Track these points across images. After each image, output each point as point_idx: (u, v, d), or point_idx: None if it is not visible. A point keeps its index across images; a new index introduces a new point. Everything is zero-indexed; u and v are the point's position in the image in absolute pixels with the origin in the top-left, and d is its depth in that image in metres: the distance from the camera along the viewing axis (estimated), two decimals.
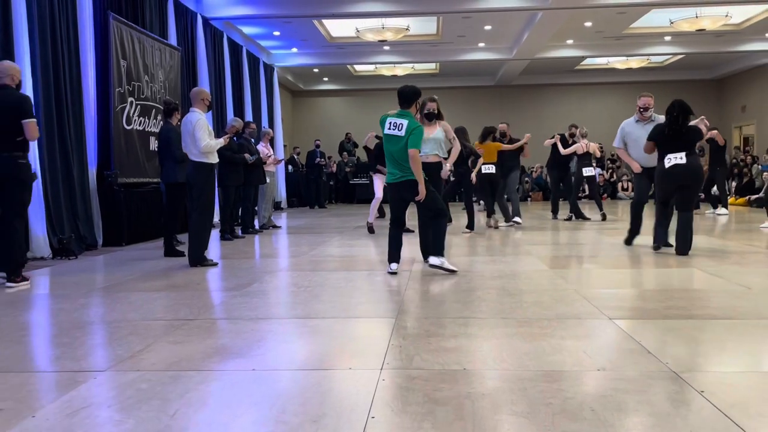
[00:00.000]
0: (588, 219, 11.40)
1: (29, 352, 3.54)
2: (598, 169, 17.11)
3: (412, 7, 13.24)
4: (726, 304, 4.23)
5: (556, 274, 5.64)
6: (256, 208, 10.58)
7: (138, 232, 9.00)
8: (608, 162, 21.16)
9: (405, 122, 5.52)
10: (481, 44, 17.85)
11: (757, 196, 15.07)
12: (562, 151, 11.36)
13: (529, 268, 6.01)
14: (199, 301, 4.72)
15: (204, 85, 12.11)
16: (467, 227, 9.48)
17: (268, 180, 10.33)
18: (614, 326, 3.66)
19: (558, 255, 7.00)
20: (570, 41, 17.68)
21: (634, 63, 20.22)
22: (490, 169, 9.91)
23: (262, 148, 10.40)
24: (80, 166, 8.24)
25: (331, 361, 3.15)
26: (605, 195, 19.36)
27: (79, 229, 8.03)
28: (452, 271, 5.65)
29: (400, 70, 20.51)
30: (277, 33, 16.04)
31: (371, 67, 20.85)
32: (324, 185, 18.64)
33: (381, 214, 10.67)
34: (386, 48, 17.98)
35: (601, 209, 11.52)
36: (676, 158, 6.46)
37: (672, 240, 6.83)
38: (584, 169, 11.41)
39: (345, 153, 20.78)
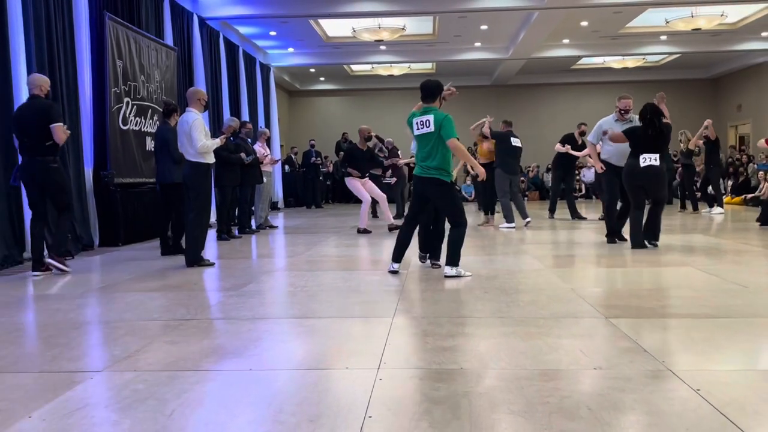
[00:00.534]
0: (584, 218, 11.43)
1: (25, 352, 3.53)
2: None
3: (408, 6, 13.23)
4: (722, 302, 4.24)
5: (553, 273, 5.65)
6: (252, 208, 10.58)
7: (134, 232, 8.99)
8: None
9: (431, 117, 5.43)
10: (478, 44, 17.85)
11: (753, 195, 15.11)
12: (577, 153, 11.34)
13: (525, 267, 6.02)
14: (196, 301, 4.72)
15: (200, 85, 12.10)
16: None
17: (264, 180, 10.32)
18: (611, 325, 3.67)
19: (555, 254, 7.01)
20: (566, 41, 17.70)
21: (630, 62, 20.26)
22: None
23: (259, 148, 10.40)
24: (76, 166, 8.21)
25: (328, 361, 3.15)
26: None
27: (75, 229, 8.01)
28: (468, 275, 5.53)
29: (397, 70, 20.51)
30: (273, 33, 16.03)
31: (368, 67, 20.84)
32: (321, 185, 18.64)
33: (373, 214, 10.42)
34: (382, 48, 17.97)
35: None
36: (650, 159, 6.92)
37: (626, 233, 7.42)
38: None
39: (341, 153, 20.76)
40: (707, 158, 12.60)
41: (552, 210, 11.90)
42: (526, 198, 20.13)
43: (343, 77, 22.44)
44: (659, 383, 2.66)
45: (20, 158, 6.24)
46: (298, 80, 22.60)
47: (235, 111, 14.66)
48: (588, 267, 6.13)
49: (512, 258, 6.67)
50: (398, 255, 5.78)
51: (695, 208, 13.12)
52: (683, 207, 13.55)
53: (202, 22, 12.83)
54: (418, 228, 5.99)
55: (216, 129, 11.48)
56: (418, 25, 16.01)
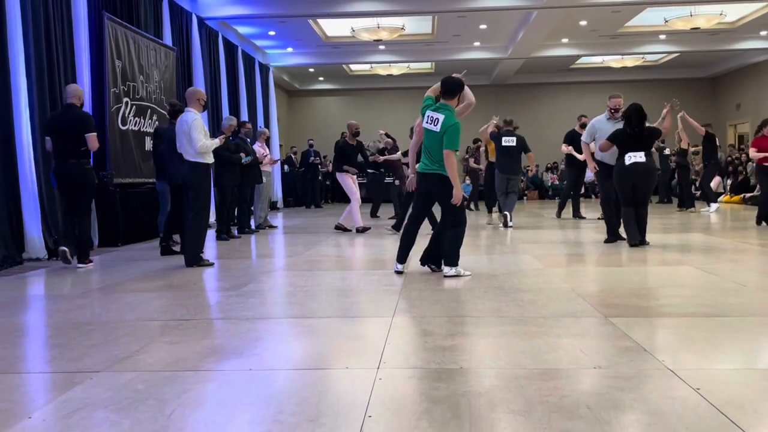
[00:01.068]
0: (584, 218, 11.43)
1: (25, 353, 3.53)
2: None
3: (407, 6, 13.23)
4: (721, 301, 4.25)
5: (553, 272, 5.65)
6: (252, 208, 10.57)
7: (134, 233, 8.98)
8: None
9: (441, 117, 5.35)
10: (477, 43, 17.85)
11: (752, 194, 15.10)
12: (579, 156, 11.23)
13: (525, 266, 6.02)
14: (196, 301, 4.72)
15: (199, 85, 12.09)
16: (392, 226, 9.67)
17: (264, 180, 10.32)
18: (610, 324, 3.67)
19: (554, 254, 7.01)
20: (565, 40, 17.70)
21: (629, 62, 20.26)
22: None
23: (259, 148, 10.40)
24: None
25: (327, 361, 3.15)
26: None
27: (74, 230, 8.00)
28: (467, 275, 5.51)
29: (396, 70, 20.51)
30: (272, 33, 16.02)
31: (367, 67, 20.84)
32: (320, 185, 18.63)
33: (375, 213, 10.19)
34: (381, 47, 17.97)
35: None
36: (636, 156, 7.02)
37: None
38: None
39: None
40: (703, 155, 12.58)
41: (561, 209, 11.82)
42: (525, 197, 20.14)
43: (342, 77, 22.43)
44: (659, 382, 2.67)
45: (54, 161, 6.85)
46: (297, 80, 22.59)
47: (234, 111, 14.66)
48: (587, 266, 6.13)
49: (512, 257, 6.68)
50: (403, 255, 5.75)
51: (688, 206, 13.20)
52: (681, 206, 13.54)
53: (201, 21, 12.82)
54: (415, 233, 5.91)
55: (215, 129, 11.47)
56: (417, 25, 16.01)
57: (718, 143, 12.71)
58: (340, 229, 9.88)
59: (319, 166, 18.29)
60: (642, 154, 7.00)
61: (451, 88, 5.49)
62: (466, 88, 5.67)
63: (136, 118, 9.57)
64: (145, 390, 2.69)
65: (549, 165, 21.42)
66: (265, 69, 17.89)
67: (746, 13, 15.37)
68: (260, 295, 4.89)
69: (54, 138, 6.63)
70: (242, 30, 15.64)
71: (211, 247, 8.15)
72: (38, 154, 7.41)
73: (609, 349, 3.17)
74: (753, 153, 9.82)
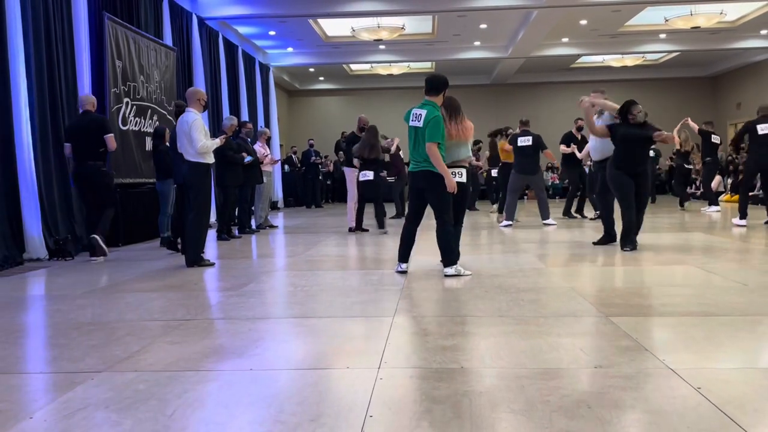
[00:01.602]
0: (575, 217, 11.45)
1: (26, 353, 3.54)
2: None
3: (407, 6, 13.23)
4: (722, 300, 4.24)
5: (553, 272, 5.65)
6: (252, 208, 10.57)
7: (134, 233, 8.99)
8: None
9: (424, 112, 5.41)
10: (477, 43, 17.85)
11: (752, 193, 15.07)
12: (579, 154, 11.25)
13: (526, 266, 6.02)
14: (196, 301, 4.72)
15: (200, 85, 12.09)
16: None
17: (264, 180, 10.32)
18: (611, 323, 3.67)
19: (555, 253, 7.01)
20: (565, 39, 17.70)
21: (630, 61, 20.24)
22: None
23: (259, 148, 10.40)
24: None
25: (328, 361, 3.15)
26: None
27: (74, 230, 8.01)
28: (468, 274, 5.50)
29: (396, 69, 20.50)
30: (272, 32, 16.02)
31: (367, 67, 20.84)
32: (320, 185, 18.64)
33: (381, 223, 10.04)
34: (382, 47, 17.97)
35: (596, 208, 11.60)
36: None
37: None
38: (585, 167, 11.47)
39: (341, 152, 20.75)
40: (702, 155, 12.51)
41: (570, 210, 11.83)
42: (525, 197, 20.13)
43: (342, 77, 22.43)
44: (660, 381, 2.67)
45: (72, 164, 7.43)
46: (298, 80, 22.59)
47: (235, 111, 14.66)
48: (588, 266, 6.13)
49: (512, 257, 6.67)
50: (405, 255, 5.76)
51: (681, 204, 13.28)
52: (682, 205, 13.53)
53: (201, 22, 12.83)
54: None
55: (216, 129, 11.47)
56: (417, 25, 16.00)
57: (719, 141, 12.56)
58: (353, 230, 9.79)
59: (320, 166, 18.29)
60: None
61: (435, 85, 5.53)
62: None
63: (137, 119, 9.57)
64: (146, 390, 2.69)
65: (549, 165, 21.41)
66: (265, 69, 17.89)
67: (746, 12, 15.37)
68: (261, 295, 4.89)
69: (74, 143, 7.21)
70: (242, 30, 15.64)
71: (211, 247, 8.15)
72: (38, 155, 7.42)
73: (610, 349, 3.17)
74: None
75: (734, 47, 18.04)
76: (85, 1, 8.47)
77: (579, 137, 11.41)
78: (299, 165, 18.83)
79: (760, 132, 9.34)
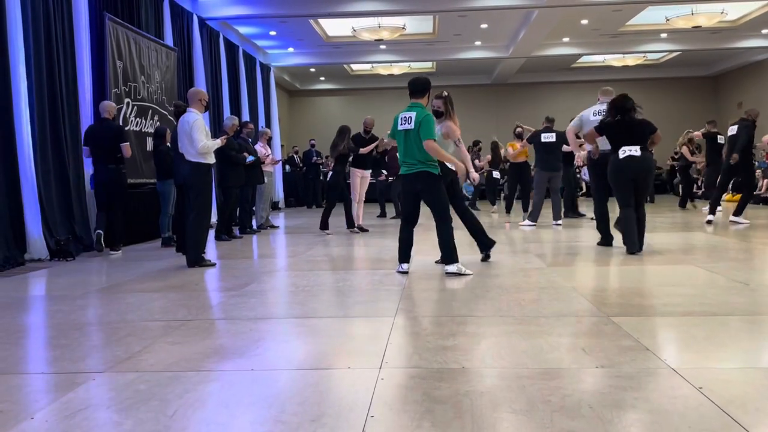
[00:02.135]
0: (583, 215, 11.46)
1: (27, 353, 3.54)
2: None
3: (408, 6, 13.23)
4: (723, 300, 4.24)
5: (554, 271, 5.64)
6: (253, 208, 10.58)
7: (135, 233, 8.99)
8: None
9: (413, 114, 5.49)
10: (478, 43, 17.84)
11: (756, 192, 15.04)
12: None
13: (527, 266, 6.01)
14: (197, 301, 4.72)
15: (200, 85, 12.10)
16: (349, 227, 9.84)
17: (265, 180, 10.32)
18: (612, 323, 3.66)
19: (556, 253, 7.01)
20: (566, 39, 17.69)
21: (631, 60, 20.23)
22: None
23: (260, 148, 10.40)
24: (75, 167, 8.22)
25: (329, 361, 3.15)
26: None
27: (75, 230, 8.01)
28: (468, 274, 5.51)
29: (397, 69, 20.50)
30: (273, 33, 16.03)
31: (368, 67, 20.84)
32: (321, 185, 18.63)
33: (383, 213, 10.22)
34: (382, 47, 17.97)
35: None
36: (630, 150, 6.48)
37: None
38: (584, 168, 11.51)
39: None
40: (707, 156, 12.30)
41: (569, 208, 11.82)
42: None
43: (343, 77, 22.43)
44: (661, 381, 2.66)
45: (92, 167, 8.04)
46: (298, 80, 22.59)
47: (236, 111, 14.66)
48: (589, 265, 6.12)
49: (514, 257, 6.67)
50: (405, 255, 5.77)
51: (681, 204, 13.21)
52: (683, 205, 13.48)
53: (202, 22, 12.83)
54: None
55: (216, 129, 11.48)
56: (418, 24, 16.00)
57: (724, 141, 12.35)
58: (360, 230, 9.82)
59: (321, 166, 18.30)
60: (637, 147, 6.45)
61: (420, 87, 5.63)
62: (451, 124, 6.02)
63: (138, 119, 9.58)
64: (147, 390, 2.69)
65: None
66: (266, 69, 17.89)
67: (748, 11, 15.35)
68: (262, 296, 4.89)
69: (92, 147, 7.81)
70: (243, 30, 15.64)
71: (212, 248, 8.16)
72: (38, 155, 7.42)
73: (611, 349, 3.16)
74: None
75: (735, 47, 18.03)
76: (85, 1, 8.47)
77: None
78: (301, 165, 18.84)
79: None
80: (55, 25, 7.91)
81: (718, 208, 12.38)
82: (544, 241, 8.21)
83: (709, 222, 9.62)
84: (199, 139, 6.31)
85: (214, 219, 9.79)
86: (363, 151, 9.86)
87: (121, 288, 5.34)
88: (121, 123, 9.14)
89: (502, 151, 13.80)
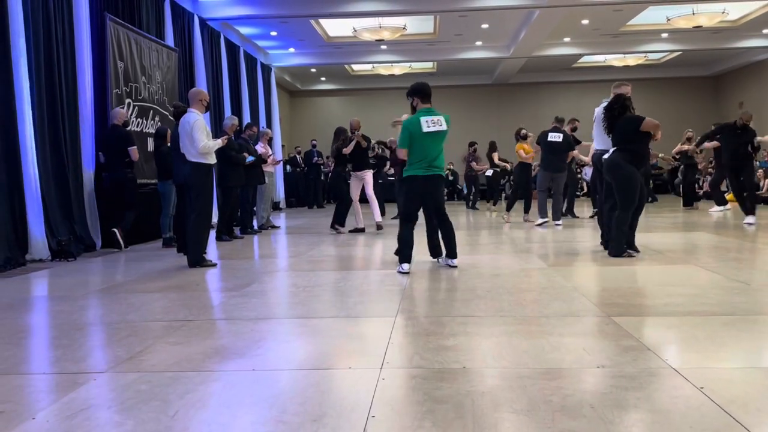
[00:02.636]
0: (577, 217, 11.47)
1: (29, 354, 3.54)
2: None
3: (409, 6, 13.24)
4: (725, 300, 4.24)
5: (555, 271, 5.64)
6: (254, 208, 10.58)
7: (136, 234, 8.99)
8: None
9: (441, 117, 5.77)
10: (479, 43, 17.84)
11: (759, 192, 14.99)
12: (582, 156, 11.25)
13: (528, 265, 6.01)
14: (199, 301, 4.72)
15: (201, 85, 12.10)
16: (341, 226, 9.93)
17: (266, 180, 10.33)
18: (613, 323, 3.66)
19: (557, 253, 7.00)
20: (567, 39, 17.69)
21: (632, 60, 20.23)
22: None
23: (261, 148, 10.40)
24: (75, 168, 8.22)
25: (330, 361, 3.16)
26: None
27: (76, 231, 8.02)
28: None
29: (398, 70, 20.51)
30: (274, 33, 16.03)
31: (368, 67, 20.84)
32: (322, 185, 18.65)
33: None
34: (383, 47, 17.97)
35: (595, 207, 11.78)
36: (608, 152, 6.47)
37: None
38: (585, 168, 11.49)
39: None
40: (715, 156, 12.07)
41: (570, 209, 11.82)
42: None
43: (344, 77, 22.44)
44: (662, 381, 2.66)
45: (106, 170, 8.52)
46: (299, 80, 22.60)
47: (237, 111, 14.67)
48: (590, 265, 6.12)
49: (515, 257, 6.67)
50: (409, 256, 5.82)
51: (687, 204, 13.13)
52: (689, 204, 13.33)
53: (203, 22, 12.84)
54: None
55: (217, 130, 11.48)
56: (418, 25, 16.00)
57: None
58: (354, 231, 9.84)
59: (322, 167, 18.30)
60: (613, 149, 6.36)
61: (430, 92, 5.91)
62: None
63: (139, 119, 9.58)
64: (148, 391, 2.69)
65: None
66: (267, 69, 17.90)
67: (749, 11, 15.35)
68: (263, 296, 4.89)
69: (104, 152, 8.43)
70: (244, 30, 15.65)
71: (213, 248, 8.16)
72: (39, 156, 7.43)
73: (612, 349, 3.16)
74: None
75: (736, 47, 18.02)
76: (86, 2, 8.47)
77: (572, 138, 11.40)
78: (303, 165, 18.87)
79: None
80: (56, 26, 7.91)
81: (720, 208, 12.35)
82: (545, 241, 8.21)
83: (750, 224, 9.37)
84: (199, 139, 6.32)
85: (214, 219, 9.79)
86: (345, 150, 9.89)
87: (123, 288, 5.35)
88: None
89: (495, 156, 14.15)
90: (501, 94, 22.89)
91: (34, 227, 7.16)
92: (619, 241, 6.35)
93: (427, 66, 20.83)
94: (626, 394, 2.51)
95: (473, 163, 15.15)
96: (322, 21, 15.45)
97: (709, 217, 11.28)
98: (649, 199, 15.63)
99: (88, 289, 5.44)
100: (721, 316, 3.80)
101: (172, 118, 8.69)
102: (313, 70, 21.15)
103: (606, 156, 6.51)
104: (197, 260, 6.41)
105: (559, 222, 10.20)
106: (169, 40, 11.00)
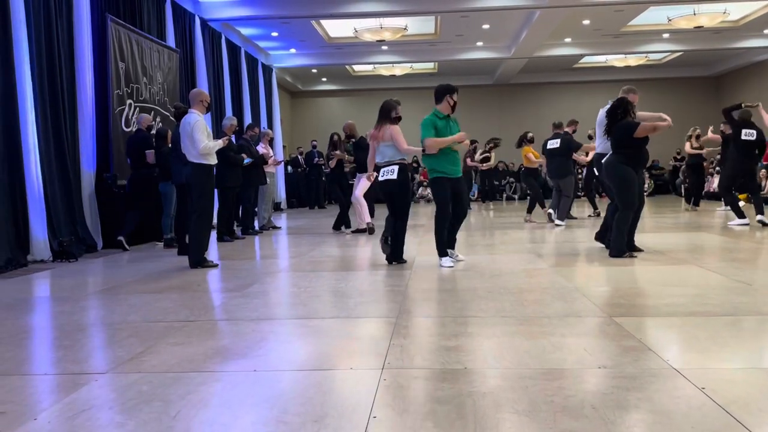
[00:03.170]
0: (575, 218, 11.48)
1: (30, 354, 3.54)
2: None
3: (410, 6, 13.24)
4: (726, 300, 4.23)
5: (557, 272, 5.64)
6: (255, 209, 10.58)
7: (137, 234, 9.00)
8: None
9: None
10: (480, 43, 17.85)
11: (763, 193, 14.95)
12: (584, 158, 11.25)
13: (529, 266, 6.01)
14: (200, 302, 4.72)
15: (202, 86, 12.11)
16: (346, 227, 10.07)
17: (267, 181, 10.33)
18: (615, 324, 3.66)
19: (558, 253, 7.00)
20: (568, 39, 17.69)
21: (633, 61, 20.23)
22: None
23: (262, 149, 10.40)
24: (77, 168, 8.23)
25: (332, 362, 3.16)
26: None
27: (78, 231, 8.03)
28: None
29: (399, 70, 20.52)
30: (275, 34, 16.04)
31: (370, 67, 20.86)
32: (323, 186, 18.64)
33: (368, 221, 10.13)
34: (384, 48, 17.99)
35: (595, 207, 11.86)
36: (607, 155, 6.57)
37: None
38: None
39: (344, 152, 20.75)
40: (722, 155, 11.58)
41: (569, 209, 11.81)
42: (528, 197, 20.11)
43: (345, 78, 22.45)
44: (664, 382, 2.66)
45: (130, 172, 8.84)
46: (300, 81, 22.61)
47: (238, 112, 14.68)
48: (592, 266, 6.12)
49: (516, 257, 6.67)
50: (451, 243, 6.25)
51: (695, 204, 12.98)
52: (693, 204, 13.13)
53: (204, 23, 12.85)
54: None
55: (218, 130, 11.49)
56: (419, 25, 16.01)
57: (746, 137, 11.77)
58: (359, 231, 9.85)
59: (323, 167, 18.29)
60: (609, 153, 6.49)
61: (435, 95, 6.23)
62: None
63: None
64: (150, 391, 2.69)
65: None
66: (268, 70, 17.91)
67: (750, 11, 15.35)
68: (264, 296, 4.89)
69: (129, 156, 8.76)
70: (245, 31, 15.66)
71: (214, 249, 8.16)
72: (42, 157, 7.44)
73: (613, 349, 3.16)
74: None
75: (737, 47, 18.02)
76: (87, 3, 8.49)
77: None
78: (304, 166, 18.87)
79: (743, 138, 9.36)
80: (57, 27, 7.93)
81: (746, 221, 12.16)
82: (547, 241, 8.20)
83: (764, 224, 9.22)
84: (200, 139, 6.32)
85: (214, 220, 9.80)
86: (330, 164, 10.22)
87: (124, 289, 5.35)
88: (123, 124, 9.18)
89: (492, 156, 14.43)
90: (502, 95, 22.90)
91: (36, 228, 7.17)
92: (619, 242, 6.39)
93: (428, 66, 20.84)
94: (628, 395, 2.51)
95: (467, 159, 15.20)
96: (323, 22, 15.46)
97: (710, 218, 11.26)
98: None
99: (89, 289, 5.45)
100: (723, 317, 3.80)
101: (173, 118, 8.73)
102: (314, 70, 21.17)
103: (604, 159, 6.59)
104: (198, 261, 6.42)
105: (561, 222, 10.20)
106: (170, 40, 11.01)
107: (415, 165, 21.27)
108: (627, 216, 6.35)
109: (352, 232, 9.80)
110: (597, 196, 12.90)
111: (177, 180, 7.68)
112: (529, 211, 11.30)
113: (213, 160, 6.58)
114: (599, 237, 7.13)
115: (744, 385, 2.61)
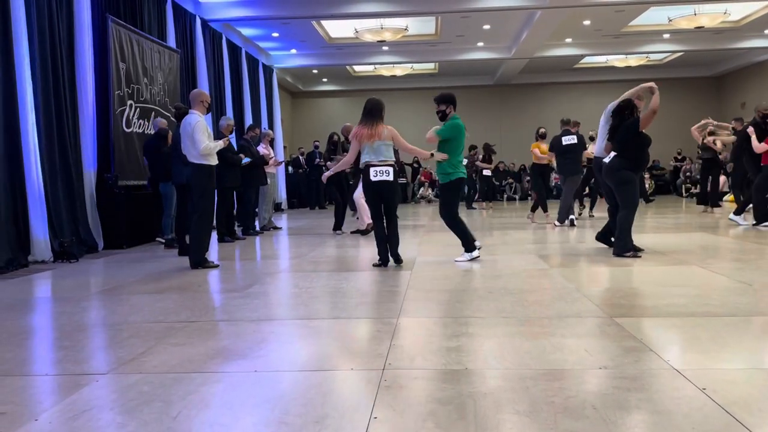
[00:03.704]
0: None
1: (31, 355, 3.54)
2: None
3: (410, 7, 13.25)
4: (727, 301, 4.23)
5: (557, 272, 5.64)
6: (256, 209, 10.59)
7: (138, 235, 9.01)
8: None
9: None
10: (480, 44, 17.85)
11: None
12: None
13: (529, 266, 6.01)
14: (201, 302, 4.72)
15: (203, 87, 12.12)
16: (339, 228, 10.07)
17: (268, 181, 10.34)
18: (615, 324, 3.66)
19: (559, 253, 7.00)
20: (569, 40, 17.69)
21: (633, 61, 20.22)
22: None
23: (262, 149, 10.41)
24: (78, 169, 8.23)
25: (333, 362, 3.16)
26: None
27: (79, 232, 8.03)
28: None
29: (400, 71, 20.51)
30: (275, 34, 16.05)
31: (370, 68, 20.86)
32: (324, 186, 18.64)
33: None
34: (385, 48, 17.98)
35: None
36: (608, 157, 6.61)
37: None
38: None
39: (345, 153, 20.75)
40: (737, 152, 10.61)
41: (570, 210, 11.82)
42: (529, 197, 20.11)
43: (345, 78, 22.45)
44: (664, 382, 2.66)
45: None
46: (301, 81, 22.62)
47: (238, 113, 14.69)
48: (592, 266, 6.12)
49: (516, 257, 6.67)
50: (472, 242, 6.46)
51: (714, 204, 12.32)
52: (707, 204, 12.47)
53: (205, 24, 12.85)
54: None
55: (219, 131, 11.49)
56: (420, 26, 16.01)
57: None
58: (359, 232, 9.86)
59: (324, 168, 18.29)
60: (612, 155, 6.53)
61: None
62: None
63: (141, 121, 9.60)
64: (150, 392, 2.70)
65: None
66: (268, 70, 17.91)
67: (750, 11, 15.35)
68: (265, 297, 4.89)
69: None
70: (246, 32, 15.67)
71: (215, 249, 8.17)
72: (43, 158, 7.44)
73: (614, 350, 3.16)
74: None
75: (738, 47, 18.01)
76: (88, 3, 8.49)
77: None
78: (305, 167, 18.87)
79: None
80: (58, 28, 7.93)
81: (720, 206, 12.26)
82: (547, 241, 8.20)
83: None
84: (201, 140, 6.33)
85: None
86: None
87: (124, 290, 5.35)
88: (123, 125, 9.19)
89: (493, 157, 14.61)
90: (503, 95, 22.89)
91: (37, 228, 7.17)
92: (623, 240, 6.46)
93: (428, 67, 20.83)
94: (628, 395, 2.51)
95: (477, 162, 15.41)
96: (324, 22, 15.47)
97: (713, 218, 11.25)
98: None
99: (90, 290, 5.45)
100: (724, 317, 3.80)
101: (173, 119, 8.74)
102: (315, 71, 21.17)
103: (606, 160, 6.63)
104: (199, 261, 6.42)
105: (561, 223, 10.19)
106: (171, 41, 11.02)
107: (415, 165, 21.30)
108: (631, 215, 6.47)
109: (352, 232, 9.80)
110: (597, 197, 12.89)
111: (177, 180, 7.70)
112: (533, 210, 11.31)
113: (214, 161, 6.59)
114: (600, 237, 7.15)
115: (745, 385, 2.61)
